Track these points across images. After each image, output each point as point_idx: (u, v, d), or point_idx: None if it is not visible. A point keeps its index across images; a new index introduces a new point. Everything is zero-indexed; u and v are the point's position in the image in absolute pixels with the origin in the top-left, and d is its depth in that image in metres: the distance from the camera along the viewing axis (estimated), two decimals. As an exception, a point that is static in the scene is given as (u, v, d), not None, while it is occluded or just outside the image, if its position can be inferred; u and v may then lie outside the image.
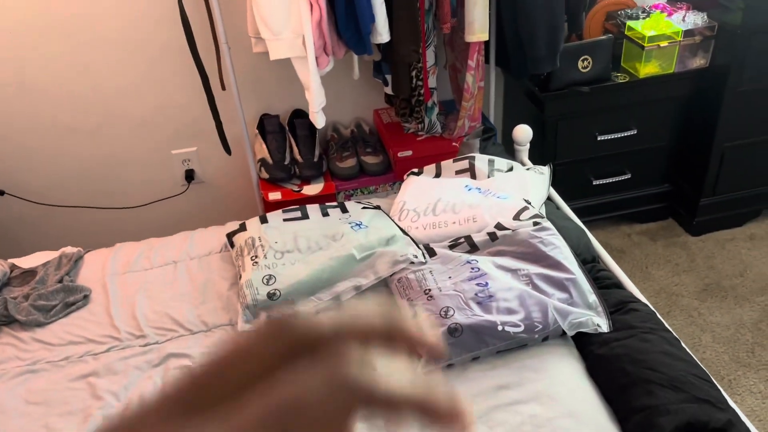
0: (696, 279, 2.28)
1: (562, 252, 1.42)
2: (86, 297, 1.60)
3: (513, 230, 1.48)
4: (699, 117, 2.32)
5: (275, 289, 1.48)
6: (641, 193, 2.49)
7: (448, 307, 1.33)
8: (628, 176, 2.42)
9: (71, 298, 1.57)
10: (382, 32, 1.93)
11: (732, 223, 2.48)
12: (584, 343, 1.34)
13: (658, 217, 2.56)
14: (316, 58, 1.90)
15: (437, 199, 1.65)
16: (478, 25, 1.99)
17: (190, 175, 2.50)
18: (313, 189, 2.28)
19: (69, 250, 1.77)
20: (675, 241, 2.46)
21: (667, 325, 1.31)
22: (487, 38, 2.02)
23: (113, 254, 1.74)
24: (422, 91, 2.16)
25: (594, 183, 2.41)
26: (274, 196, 2.26)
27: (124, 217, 2.51)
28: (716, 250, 2.39)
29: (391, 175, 2.36)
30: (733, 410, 1.12)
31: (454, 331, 1.29)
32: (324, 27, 1.86)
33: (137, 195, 2.48)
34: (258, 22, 1.89)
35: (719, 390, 1.16)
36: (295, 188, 2.27)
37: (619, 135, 2.31)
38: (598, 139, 2.31)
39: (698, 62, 2.23)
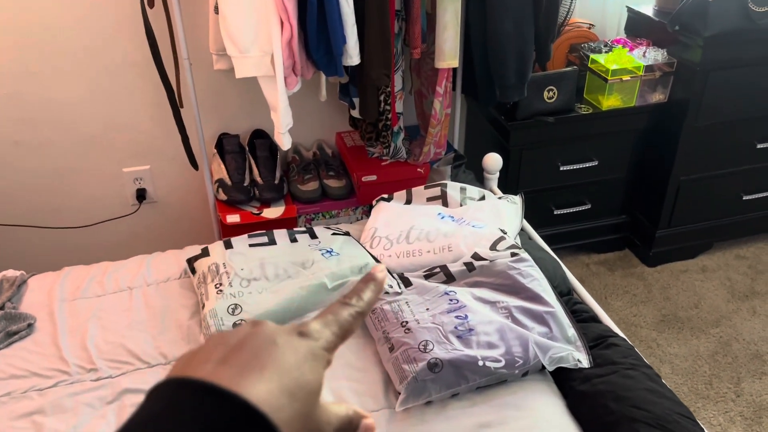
0: (653, 310, 2.31)
1: (541, 284, 1.40)
2: (30, 326, 1.47)
3: (490, 261, 1.45)
4: (657, 150, 2.37)
5: (241, 320, 1.39)
6: (600, 223, 2.52)
7: (426, 340, 1.28)
8: (588, 206, 2.44)
9: (13, 327, 1.44)
10: (352, 54, 1.89)
11: (685, 255, 2.53)
12: (563, 379, 1.31)
13: (616, 247, 2.59)
14: (285, 78, 1.84)
15: (410, 227, 1.61)
16: (449, 51, 1.98)
17: (141, 195, 2.38)
18: (273, 212, 2.20)
19: (10, 273, 1.63)
20: (632, 272, 2.49)
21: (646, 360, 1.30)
22: (456, 65, 2.01)
23: (61, 279, 1.61)
24: (390, 116, 2.13)
25: (555, 212, 2.42)
26: (233, 218, 2.17)
27: (69, 237, 2.36)
28: (671, 281, 2.43)
29: (354, 200, 2.31)
30: (718, 449, 1.11)
31: (434, 367, 1.24)
32: (294, 46, 1.80)
33: (84, 214, 2.34)
34: (224, 38, 1.82)
35: (702, 429, 1.15)
36: (255, 211, 2.19)
37: (580, 165, 2.33)
38: (561, 169, 2.32)
39: (657, 97, 2.29)
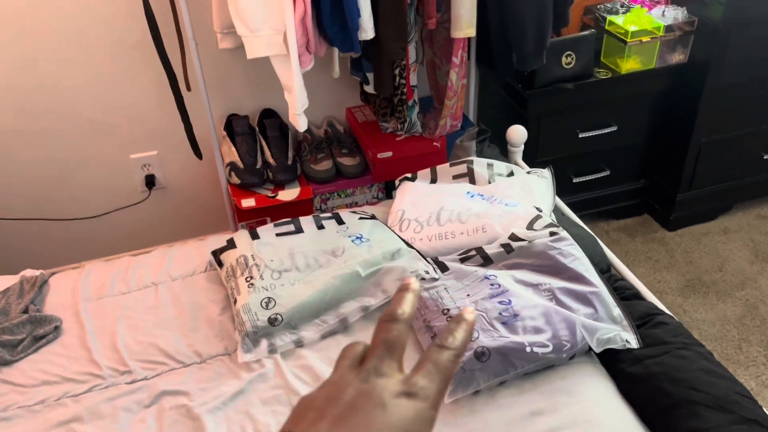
0: (677, 275, 2.29)
1: (582, 263, 1.36)
2: (57, 328, 1.42)
3: (529, 241, 1.40)
4: (677, 112, 2.31)
5: (276, 314, 1.35)
6: (619, 189, 2.48)
7: (471, 328, 1.24)
8: (607, 173, 2.40)
9: (40, 331, 1.40)
10: (367, 28, 1.81)
11: (706, 217, 2.50)
12: (611, 360, 1.28)
13: (635, 212, 2.55)
14: (299, 56, 1.76)
15: (440, 208, 1.56)
16: (465, 21, 1.90)
17: (150, 181, 2.31)
18: (288, 194, 2.14)
19: (29, 273, 1.58)
20: (653, 237, 2.46)
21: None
22: (473, 34, 1.94)
23: (83, 277, 1.56)
24: (405, 90, 2.06)
25: (574, 180, 2.37)
26: (248, 203, 2.11)
27: (81, 228, 2.30)
28: (693, 245, 2.41)
29: (370, 178, 2.25)
30: (780, 428, 1.09)
31: (481, 356, 1.20)
32: (308, 23, 1.73)
33: (93, 204, 2.28)
34: (234, 17, 1.74)
35: (762, 408, 1.12)
36: (270, 194, 2.13)
37: (599, 131, 2.28)
38: (580, 136, 2.27)
39: (677, 57, 2.22)
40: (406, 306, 0.43)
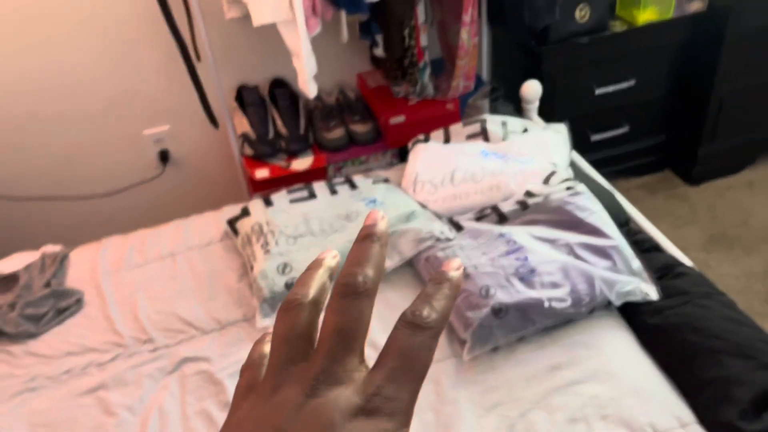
0: (700, 231, 2.25)
1: (600, 217, 1.34)
2: (79, 301, 1.44)
3: (545, 197, 1.38)
4: (697, 63, 2.25)
5: (293, 278, 1.35)
6: (638, 146, 2.43)
7: (488, 285, 1.23)
8: (626, 129, 2.35)
9: (63, 304, 1.42)
10: (374, -11, 1.78)
11: (729, 170, 2.45)
12: (632, 313, 1.26)
13: (655, 169, 2.51)
14: (306, 20, 1.74)
15: (454, 168, 1.54)
16: (474, -23, 1.86)
17: (164, 157, 2.32)
18: (302, 163, 2.13)
19: (50, 249, 1.60)
20: (674, 193, 2.41)
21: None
22: (484, -10, 1.89)
23: (101, 251, 1.58)
24: (415, 51, 2.03)
25: (592, 139, 2.33)
26: (262, 173, 2.11)
27: (98, 206, 2.32)
28: (716, 200, 2.36)
29: (383, 144, 2.23)
30: (805, 374, 1.07)
31: (498, 312, 1.20)
32: (313, -14, 1.70)
33: (108, 181, 2.29)
34: (238, -17, 1.72)
35: (786, 354, 1.10)
36: (284, 164, 2.12)
37: (617, 87, 2.23)
38: (596, 92, 2.22)
39: (696, 6, 2.15)
40: (438, 304, 0.30)
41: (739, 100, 2.27)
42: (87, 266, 1.53)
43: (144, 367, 1.29)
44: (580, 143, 2.32)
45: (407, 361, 0.28)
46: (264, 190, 2.21)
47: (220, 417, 1.18)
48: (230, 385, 1.22)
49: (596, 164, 2.40)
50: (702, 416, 1.07)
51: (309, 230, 1.44)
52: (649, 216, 2.32)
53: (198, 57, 1.94)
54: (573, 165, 1.67)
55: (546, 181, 1.44)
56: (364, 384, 0.28)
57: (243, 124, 2.16)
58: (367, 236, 0.31)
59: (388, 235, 0.32)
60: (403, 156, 2.26)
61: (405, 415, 0.27)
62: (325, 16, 1.85)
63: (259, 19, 1.75)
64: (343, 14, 1.96)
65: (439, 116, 2.15)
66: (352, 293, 0.29)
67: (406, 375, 0.28)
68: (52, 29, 1.97)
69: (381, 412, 0.27)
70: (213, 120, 1.98)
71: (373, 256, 0.30)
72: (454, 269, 0.31)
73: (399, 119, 2.16)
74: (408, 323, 0.29)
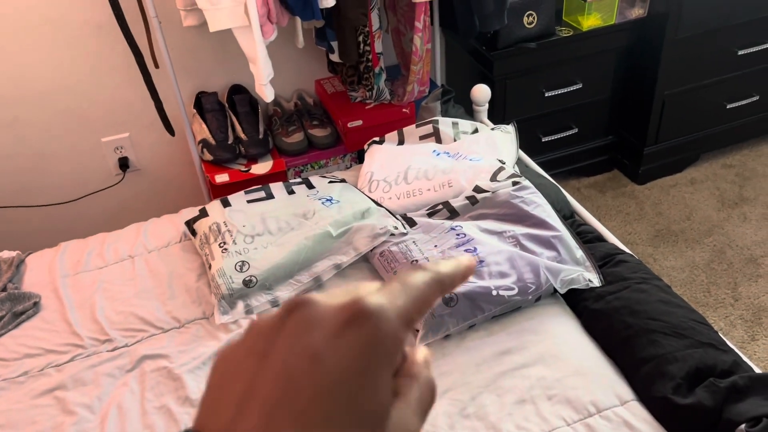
0: (647, 226, 2.34)
1: (545, 210, 1.40)
2: (36, 304, 1.45)
3: (492, 192, 1.44)
4: (639, 67, 2.36)
5: (251, 276, 1.39)
6: (587, 146, 2.52)
7: (439, 276, 1.28)
8: (575, 130, 2.44)
9: (19, 307, 1.42)
10: (326, -5, 1.83)
11: (673, 169, 2.56)
12: (576, 300, 1.33)
13: (604, 169, 2.61)
14: (261, 27, 1.78)
15: (407, 167, 1.60)
16: (425, -16, 1.92)
17: (124, 164, 2.32)
18: (261, 168, 2.17)
19: (6, 254, 1.60)
20: (623, 191, 2.51)
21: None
22: (434, -2, 1.96)
23: (59, 254, 1.58)
24: (370, 57, 2.08)
25: (543, 140, 2.41)
26: (221, 178, 2.13)
27: (58, 214, 2.31)
28: (662, 197, 2.46)
29: (342, 147, 2.28)
30: (734, 351, 1.14)
31: (449, 301, 1.25)
32: (268, -7, 1.74)
33: (68, 189, 2.29)
34: (194, -10, 1.75)
35: (717, 333, 1.17)
36: (243, 168, 2.15)
37: (565, 90, 2.32)
38: (546, 95, 2.31)
39: (637, 12, 2.26)
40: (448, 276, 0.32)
41: (681, 101, 2.39)
42: (45, 270, 1.54)
43: (103, 366, 1.30)
44: (531, 144, 2.41)
45: (403, 284, 0.30)
46: (224, 194, 2.23)
47: (180, 411, 1.20)
48: (188, 380, 1.24)
49: (548, 165, 2.48)
50: (640, 393, 1.14)
51: (266, 229, 1.47)
52: (599, 213, 2.42)
53: (156, 65, 1.96)
54: (520, 162, 1.74)
55: (494, 177, 1.50)
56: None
57: (202, 131, 2.18)
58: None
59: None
60: (361, 159, 2.31)
61: (406, 315, 0.28)
62: (281, 22, 1.89)
63: (215, 25, 1.78)
64: (299, 20, 2.01)
65: (395, 120, 2.21)
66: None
67: (401, 291, 0.29)
68: (6, 37, 1.97)
69: (370, 318, 0.27)
70: (168, 127, 2.00)
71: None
72: (465, 259, 0.33)
73: (356, 123, 2.21)
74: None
